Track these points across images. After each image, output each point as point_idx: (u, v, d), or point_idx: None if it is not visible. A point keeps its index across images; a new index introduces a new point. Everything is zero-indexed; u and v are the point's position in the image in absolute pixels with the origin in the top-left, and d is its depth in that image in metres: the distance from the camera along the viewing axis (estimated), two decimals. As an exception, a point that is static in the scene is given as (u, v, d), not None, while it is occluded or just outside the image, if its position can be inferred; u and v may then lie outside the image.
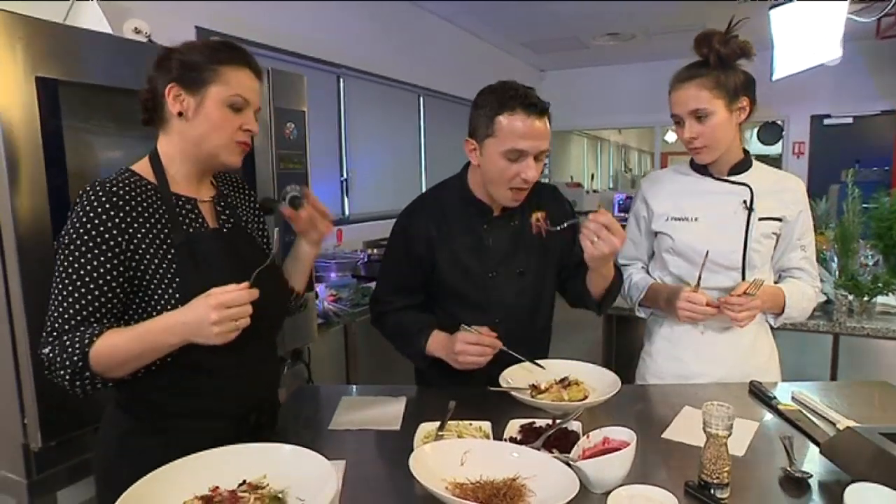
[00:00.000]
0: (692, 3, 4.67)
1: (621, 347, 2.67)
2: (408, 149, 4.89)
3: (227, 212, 1.22)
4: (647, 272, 1.71)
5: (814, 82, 5.51)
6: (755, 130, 7.11)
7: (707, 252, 1.48)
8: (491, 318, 1.43)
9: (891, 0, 4.22)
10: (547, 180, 7.49)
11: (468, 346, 1.33)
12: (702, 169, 1.59)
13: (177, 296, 1.05)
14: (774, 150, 7.33)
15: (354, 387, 1.74)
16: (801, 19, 4.01)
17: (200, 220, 1.15)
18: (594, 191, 7.64)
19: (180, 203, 1.13)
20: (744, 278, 1.53)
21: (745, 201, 1.53)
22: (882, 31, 4.93)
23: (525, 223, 1.47)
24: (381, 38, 4.28)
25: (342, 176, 4.02)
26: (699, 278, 1.48)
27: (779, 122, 6.75)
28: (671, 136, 9.60)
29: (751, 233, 1.52)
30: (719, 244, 1.53)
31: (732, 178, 1.56)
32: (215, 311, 0.94)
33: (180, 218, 1.11)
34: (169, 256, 1.07)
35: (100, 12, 1.93)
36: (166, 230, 1.08)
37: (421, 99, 4.95)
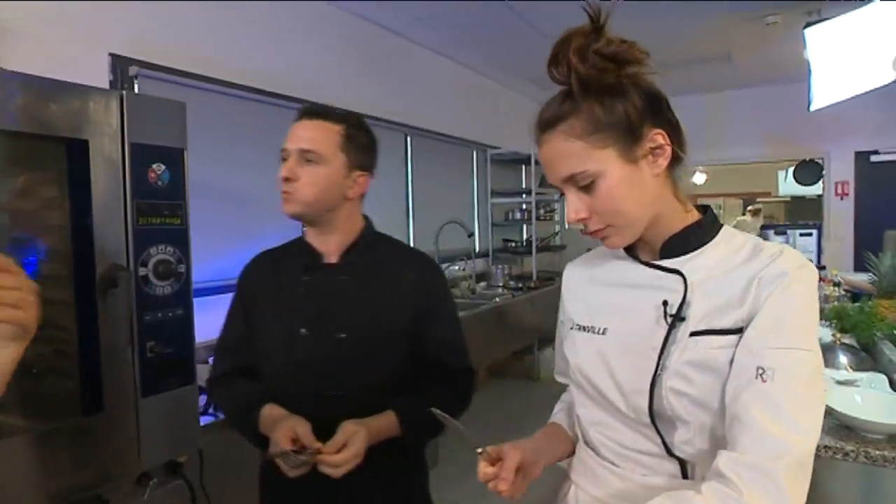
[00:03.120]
0: (716, 28, 4.11)
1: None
2: (392, 193, 4.35)
3: None
4: None
5: (856, 114, 4.91)
6: (790, 170, 6.43)
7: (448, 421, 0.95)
8: (303, 393, 1.19)
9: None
10: (558, 227, 6.88)
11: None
12: (630, 248, 0.96)
13: None
14: (814, 190, 6.63)
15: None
16: (843, 38, 3.40)
17: None
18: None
19: None
20: (663, 440, 0.86)
21: (664, 302, 0.87)
22: (938, 53, 4.27)
23: (371, 283, 1.27)
24: (354, 68, 3.81)
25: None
26: (475, 442, 0.92)
27: (818, 160, 6.06)
28: (699, 178, 8.91)
29: (668, 359, 0.84)
30: (625, 375, 0.89)
31: (664, 263, 0.90)
32: None
33: None
34: None
35: None
36: None
37: (408, 138, 4.46)
